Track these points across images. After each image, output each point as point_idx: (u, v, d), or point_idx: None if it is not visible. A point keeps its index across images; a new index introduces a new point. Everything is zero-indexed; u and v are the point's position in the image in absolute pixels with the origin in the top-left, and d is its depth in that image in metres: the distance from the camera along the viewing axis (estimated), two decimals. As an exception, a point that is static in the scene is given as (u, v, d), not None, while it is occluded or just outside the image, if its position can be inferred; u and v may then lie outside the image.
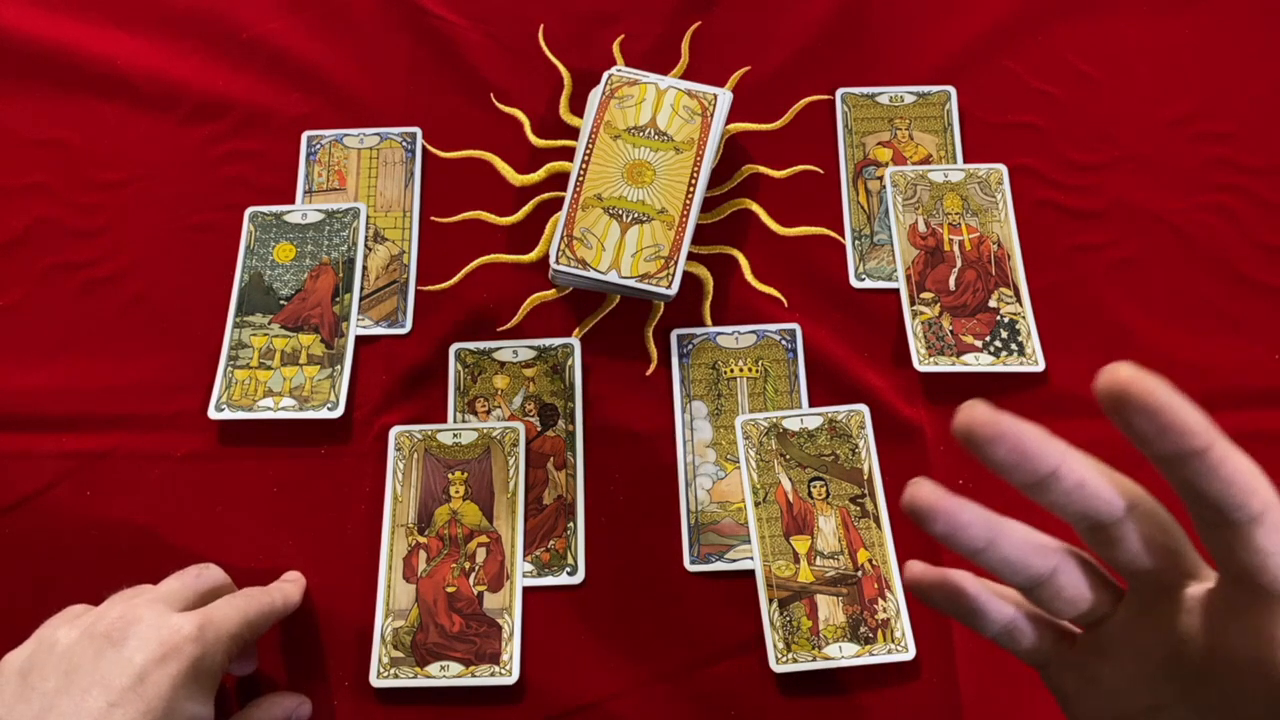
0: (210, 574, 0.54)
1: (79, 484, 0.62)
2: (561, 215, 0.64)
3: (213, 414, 0.62)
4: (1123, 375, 0.29)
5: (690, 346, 0.65)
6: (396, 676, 0.56)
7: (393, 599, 0.58)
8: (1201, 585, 0.34)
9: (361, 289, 0.66)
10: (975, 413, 0.31)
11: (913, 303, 0.65)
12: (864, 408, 0.62)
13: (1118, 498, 0.33)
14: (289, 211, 0.69)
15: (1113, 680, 0.36)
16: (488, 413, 0.63)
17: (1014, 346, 0.63)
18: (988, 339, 0.64)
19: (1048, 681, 0.39)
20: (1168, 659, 0.34)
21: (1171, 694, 0.34)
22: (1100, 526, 0.33)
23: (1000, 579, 0.36)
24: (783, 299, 0.66)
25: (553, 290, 0.67)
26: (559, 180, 0.70)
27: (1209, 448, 0.30)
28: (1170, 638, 0.34)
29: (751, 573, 0.59)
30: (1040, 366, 0.63)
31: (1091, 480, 0.33)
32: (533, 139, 0.71)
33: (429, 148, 0.71)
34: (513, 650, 0.57)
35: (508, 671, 0.56)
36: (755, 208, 0.69)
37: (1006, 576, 0.36)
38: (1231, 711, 0.32)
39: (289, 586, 0.57)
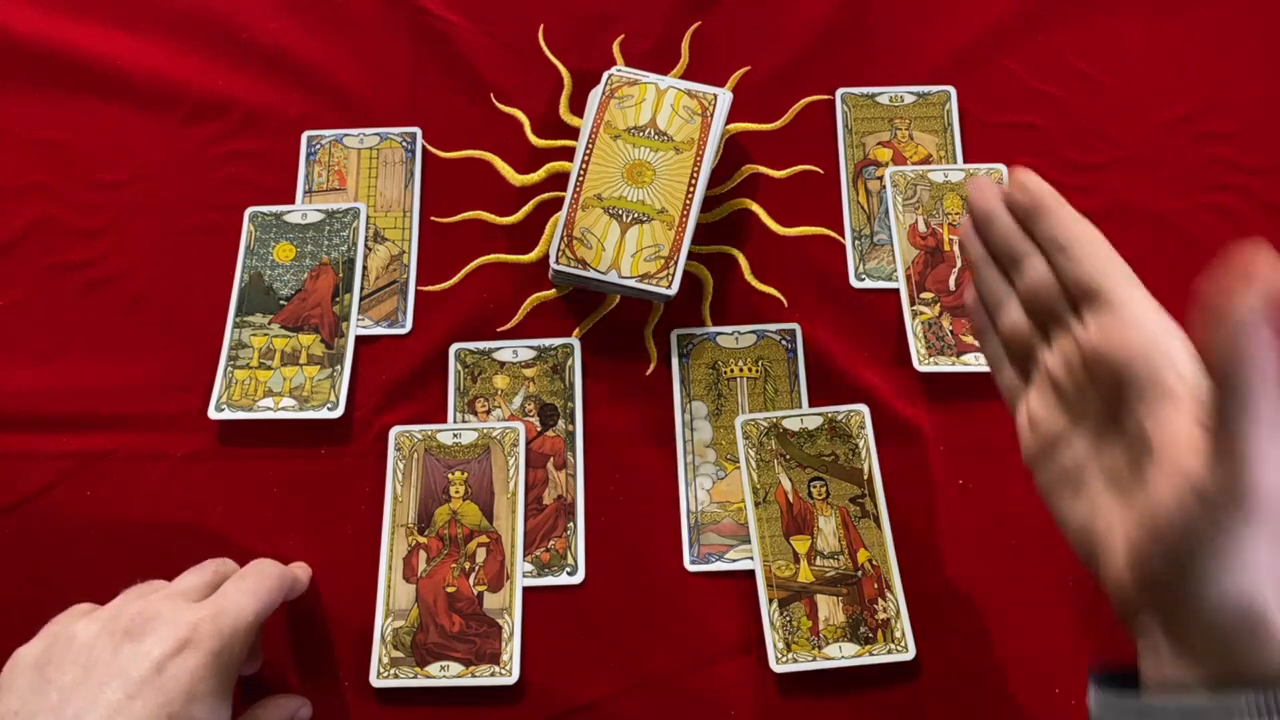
0: (227, 569, 0.54)
1: (79, 484, 0.62)
2: (561, 215, 0.64)
3: (213, 414, 0.62)
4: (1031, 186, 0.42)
5: (690, 346, 0.65)
6: (396, 676, 0.56)
7: (393, 599, 0.58)
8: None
9: (361, 289, 0.66)
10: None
11: (913, 303, 0.65)
12: (864, 408, 0.62)
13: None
14: (289, 211, 0.69)
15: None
16: (488, 413, 0.63)
17: (1014, 346, 0.63)
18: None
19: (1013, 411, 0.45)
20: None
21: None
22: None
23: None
24: (783, 299, 0.66)
25: (553, 290, 0.67)
26: (559, 180, 0.70)
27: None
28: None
29: (751, 573, 0.59)
30: (1040, 366, 0.63)
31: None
32: (533, 139, 0.71)
33: (429, 148, 0.71)
34: (513, 650, 0.57)
35: (508, 671, 0.56)
36: (755, 208, 0.69)
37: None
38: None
39: (297, 568, 0.57)
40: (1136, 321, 0.39)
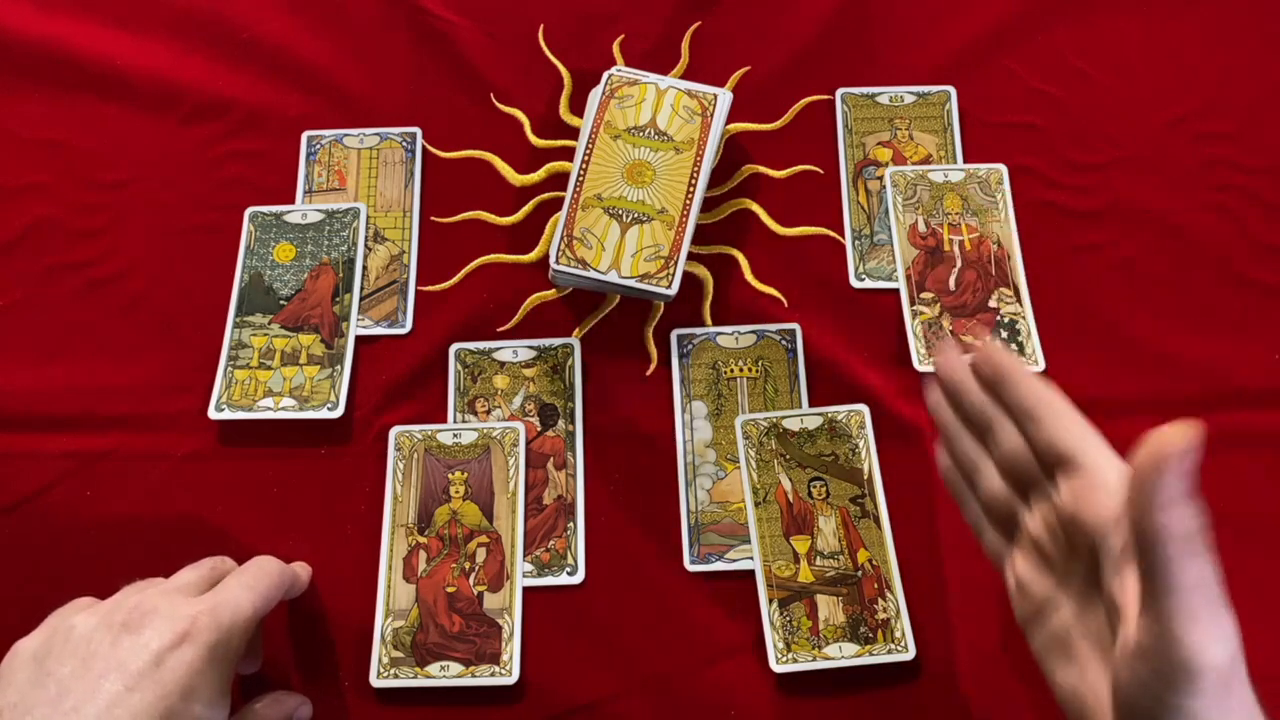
0: (225, 567, 0.54)
1: (79, 484, 0.62)
2: (561, 215, 0.64)
3: (213, 414, 0.62)
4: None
5: (690, 346, 0.65)
6: (396, 676, 0.56)
7: (393, 599, 0.58)
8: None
9: (361, 289, 0.66)
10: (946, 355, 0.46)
11: (913, 303, 0.65)
12: (864, 408, 0.62)
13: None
14: (289, 211, 0.69)
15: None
16: (488, 413, 0.63)
17: (1014, 346, 0.63)
18: (988, 339, 0.64)
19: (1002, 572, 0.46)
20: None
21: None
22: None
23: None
24: (783, 299, 0.66)
25: (553, 290, 0.67)
26: (559, 180, 0.70)
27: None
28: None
29: (751, 573, 0.59)
30: (1040, 366, 0.63)
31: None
32: (533, 139, 0.71)
33: (429, 148, 0.71)
34: (513, 650, 0.57)
35: (508, 671, 0.56)
36: (755, 208, 0.69)
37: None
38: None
39: (298, 567, 0.57)
40: (1106, 485, 0.39)
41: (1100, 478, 0.39)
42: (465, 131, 0.71)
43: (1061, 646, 0.41)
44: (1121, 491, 0.37)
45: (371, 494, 0.61)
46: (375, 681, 0.56)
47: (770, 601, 0.58)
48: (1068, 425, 0.41)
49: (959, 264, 0.66)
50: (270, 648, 0.57)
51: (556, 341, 0.65)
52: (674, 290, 0.62)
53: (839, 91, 0.72)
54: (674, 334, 0.65)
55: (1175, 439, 0.32)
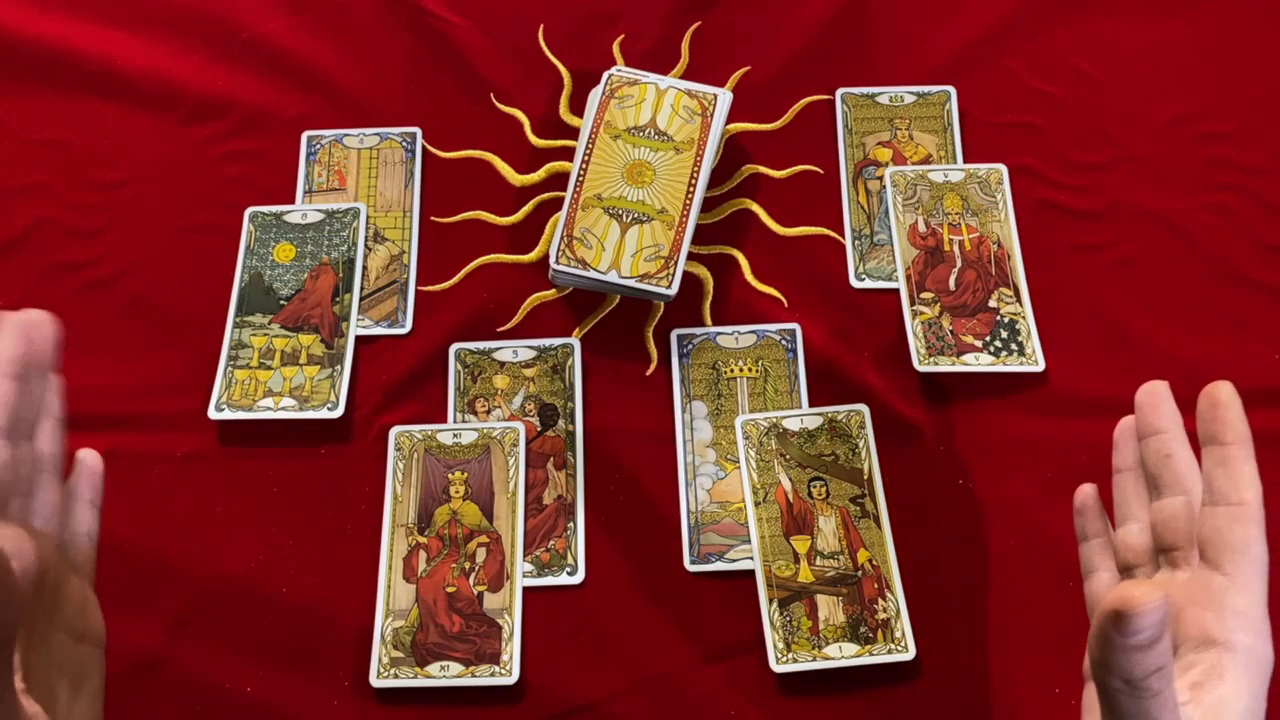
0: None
1: (79, 484, 0.61)
2: (561, 215, 0.64)
3: (213, 414, 0.62)
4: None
5: (690, 346, 0.65)
6: (396, 676, 0.56)
7: (393, 599, 0.58)
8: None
9: (361, 289, 0.66)
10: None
11: (913, 303, 0.65)
12: (864, 408, 0.62)
13: None
14: (289, 211, 0.69)
15: None
16: (488, 413, 0.63)
17: (1014, 346, 0.63)
18: (988, 339, 0.64)
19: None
20: None
21: None
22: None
23: None
24: (783, 299, 0.66)
25: (553, 290, 0.67)
26: (559, 180, 0.70)
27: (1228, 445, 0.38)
28: None
29: (751, 573, 0.59)
30: (1040, 366, 0.63)
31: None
32: (533, 139, 0.71)
33: (429, 148, 0.71)
34: (513, 650, 0.57)
35: (508, 671, 0.56)
36: (755, 208, 0.69)
37: None
38: None
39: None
40: (1231, 607, 0.37)
41: (1229, 600, 0.37)
42: (465, 131, 0.71)
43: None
44: (1246, 620, 0.36)
45: (371, 494, 0.61)
46: (375, 681, 0.56)
47: (770, 601, 0.57)
48: (1250, 531, 0.37)
49: (959, 264, 0.66)
50: (270, 648, 0.57)
51: (556, 341, 0.65)
52: (674, 290, 0.62)
53: (839, 91, 0.72)
54: (674, 334, 0.65)
55: (1140, 601, 0.31)
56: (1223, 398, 0.39)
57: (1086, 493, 0.47)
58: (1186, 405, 0.63)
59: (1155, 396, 0.44)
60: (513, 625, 0.57)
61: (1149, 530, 0.42)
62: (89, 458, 0.46)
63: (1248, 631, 0.36)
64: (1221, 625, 0.36)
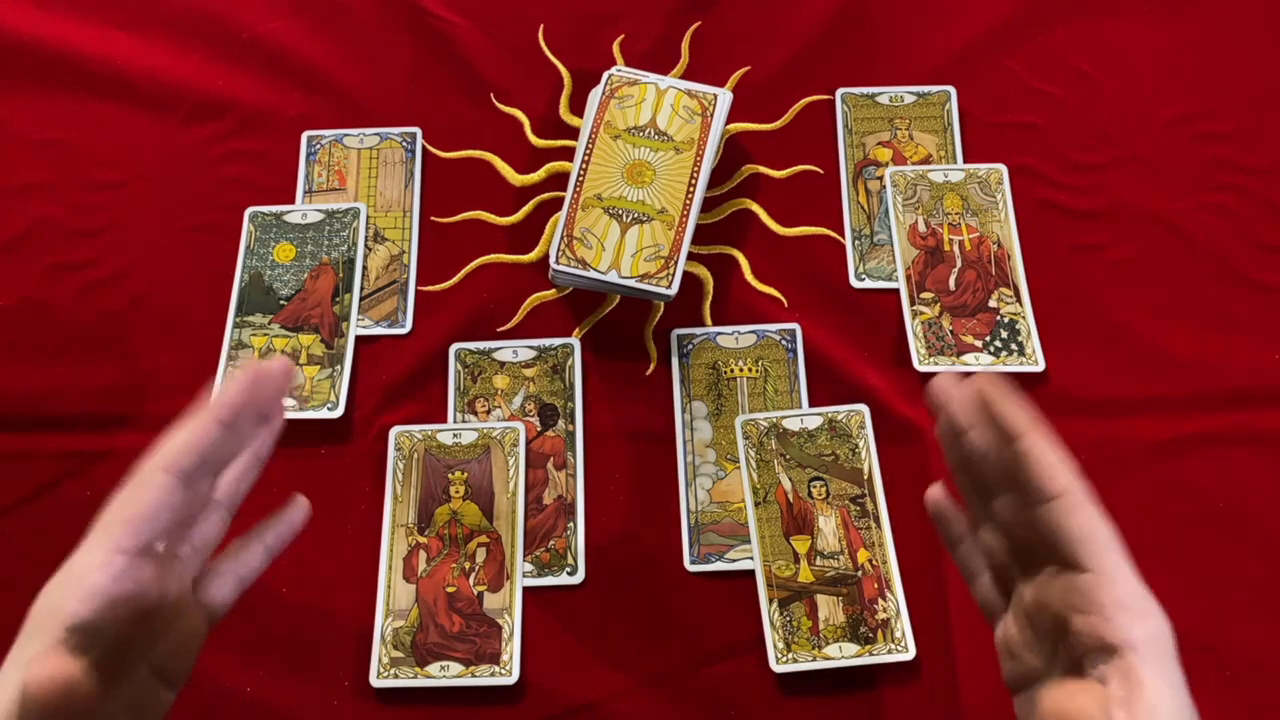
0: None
1: (79, 484, 0.61)
2: (561, 215, 0.64)
3: (213, 414, 0.62)
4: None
5: (690, 346, 0.65)
6: (396, 676, 0.56)
7: (393, 599, 0.58)
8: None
9: (361, 289, 0.66)
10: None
11: (913, 303, 0.65)
12: (864, 408, 0.62)
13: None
14: (289, 211, 0.69)
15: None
16: (488, 413, 0.63)
17: (1014, 346, 0.63)
18: (988, 339, 0.64)
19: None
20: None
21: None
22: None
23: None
24: (783, 299, 0.66)
25: (553, 290, 0.67)
26: (559, 180, 0.70)
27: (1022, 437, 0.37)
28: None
29: (751, 573, 0.59)
30: (1040, 366, 0.63)
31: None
32: (533, 139, 0.71)
33: (429, 148, 0.71)
34: (513, 650, 0.57)
35: (508, 671, 0.56)
36: (755, 208, 0.69)
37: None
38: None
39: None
40: (1117, 603, 0.35)
41: (1104, 595, 0.35)
42: (465, 131, 0.71)
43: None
44: (1130, 610, 0.35)
45: (371, 494, 0.61)
46: (375, 681, 0.56)
47: (770, 601, 0.57)
48: (1083, 519, 0.36)
49: (959, 264, 0.66)
50: (270, 648, 0.57)
51: (556, 341, 0.65)
52: (674, 290, 0.62)
53: (839, 91, 0.72)
54: (674, 334, 0.65)
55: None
56: (988, 394, 0.37)
57: (935, 495, 0.44)
58: (1187, 405, 0.63)
59: (944, 393, 0.39)
60: (513, 625, 0.57)
61: (998, 533, 0.40)
62: (298, 506, 0.46)
63: (1138, 620, 0.35)
64: (1111, 625, 0.35)
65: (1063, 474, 0.36)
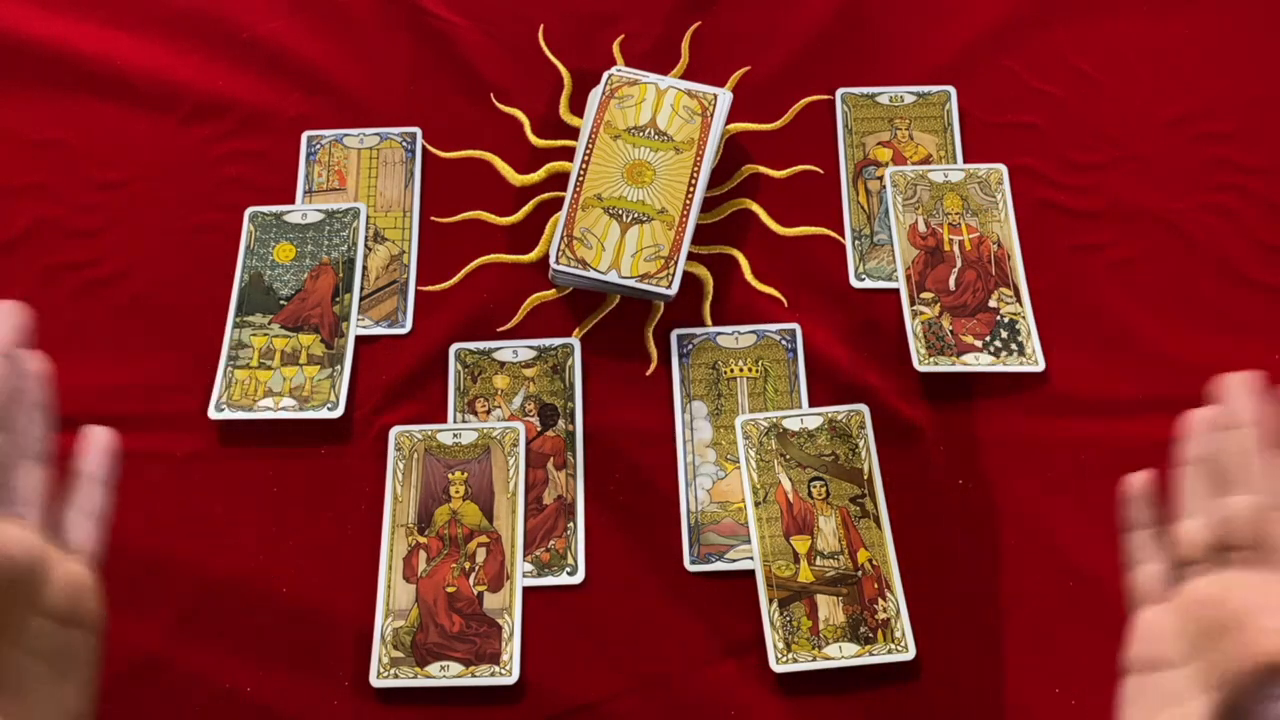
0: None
1: (79, 484, 0.61)
2: (561, 215, 0.64)
3: (213, 414, 0.62)
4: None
5: (690, 346, 0.65)
6: (396, 676, 0.56)
7: (393, 599, 0.58)
8: None
9: (361, 289, 0.66)
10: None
11: (913, 303, 0.65)
12: (864, 408, 0.62)
13: None
14: (289, 211, 0.69)
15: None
16: (488, 413, 0.63)
17: (1014, 346, 0.63)
18: (988, 339, 0.64)
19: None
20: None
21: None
22: None
23: None
24: (783, 299, 0.66)
25: (553, 290, 0.67)
26: (559, 180, 0.70)
27: None
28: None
29: (751, 573, 0.59)
30: (1040, 366, 0.63)
31: None
32: (533, 139, 0.71)
33: (429, 148, 0.71)
34: (513, 650, 0.57)
35: (508, 671, 0.56)
36: (755, 208, 0.69)
37: None
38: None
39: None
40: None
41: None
42: (465, 131, 0.71)
43: (1156, 703, 0.39)
44: None
45: (371, 494, 0.61)
46: (375, 681, 0.56)
47: (770, 601, 0.57)
48: None
49: (959, 264, 0.66)
50: (270, 648, 0.57)
51: (556, 341, 0.65)
52: (674, 290, 0.62)
53: (839, 91, 0.72)
54: (674, 334, 0.65)
55: None
56: None
57: (1140, 481, 0.46)
58: (1187, 405, 0.63)
59: (1239, 389, 0.42)
60: (513, 625, 0.57)
61: (1211, 526, 0.41)
62: (99, 434, 0.45)
63: None
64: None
65: None
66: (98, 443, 0.45)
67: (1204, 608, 0.39)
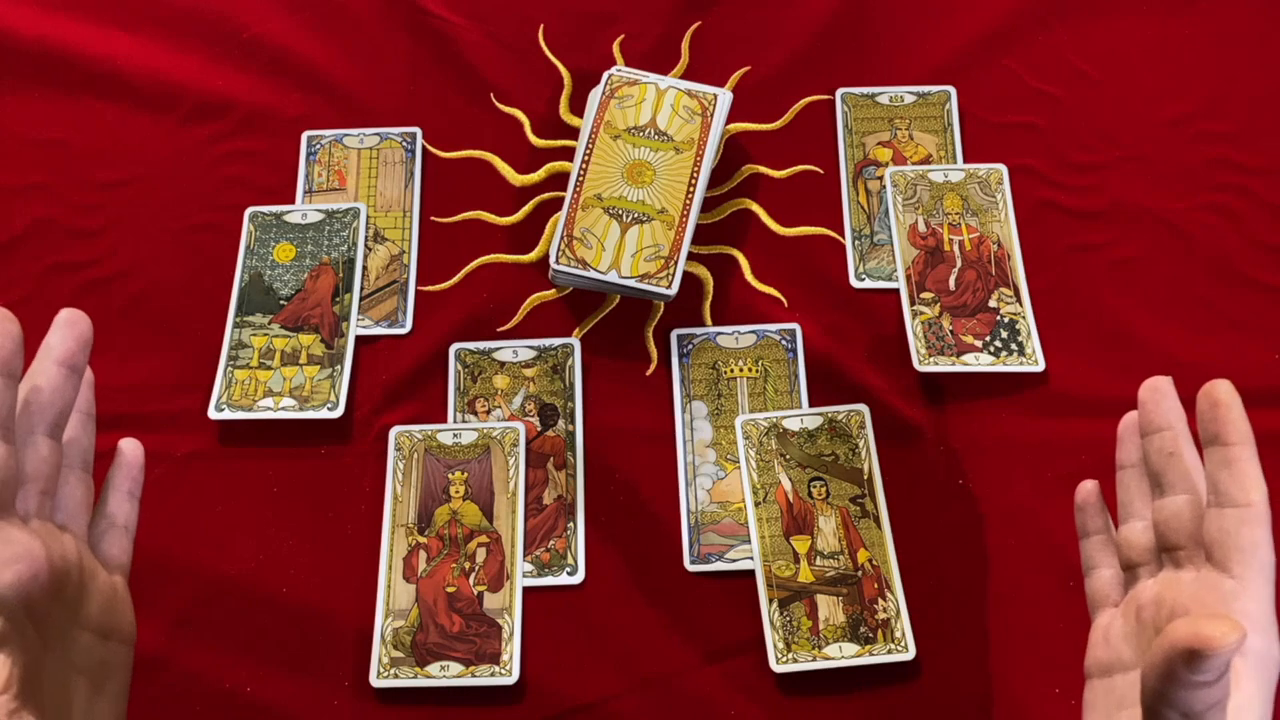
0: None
1: (79, 484, 0.61)
2: (561, 215, 0.64)
3: (213, 414, 0.62)
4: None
5: (690, 346, 0.65)
6: (396, 676, 0.56)
7: (393, 599, 0.58)
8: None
9: (361, 289, 0.66)
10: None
11: (913, 303, 0.65)
12: (864, 408, 0.62)
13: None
14: (289, 211, 0.69)
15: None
16: (488, 413, 0.63)
17: (1014, 346, 0.63)
18: (988, 339, 0.64)
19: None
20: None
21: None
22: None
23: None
24: (783, 299, 0.66)
25: (553, 290, 0.67)
26: (559, 180, 0.70)
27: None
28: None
29: (751, 573, 0.59)
30: (1040, 366, 0.63)
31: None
32: (533, 139, 0.71)
33: (429, 148, 0.71)
34: (513, 650, 0.57)
35: (508, 671, 0.56)
36: (755, 208, 0.69)
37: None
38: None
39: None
40: (1240, 611, 0.37)
41: (1239, 604, 0.37)
42: (465, 131, 0.71)
43: (1114, 706, 0.40)
44: (1254, 623, 0.36)
45: (371, 494, 0.61)
46: (375, 681, 0.56)
47: (770, 601, 0.57)
48: (1253, 529, 0.37)
49: (959, 264, 0.66)
50: (269, 648, 0.57)
51: (556, 341, 0.65)
52: (674, 290, 0.62)
53: (839, 91, 0.72)
54: (674, 334, 0.65)
55: (1219, 636, 0.31)
56: (1222, 397, 0.39)
57: (1088, 489, 0.47)
58: (1188, 405, 0.63)
59: (1158, 393, 0.43)
60: (513, 625, 0.57)
61: (1152, 528, 0.42)
62: (128, 449, 0.46)
63: (1259, 635, 0.36)
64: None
65: (1258, 489, 0.38)
66: (127, 458, 0.46)
67: (1146, 609, 0.40)
